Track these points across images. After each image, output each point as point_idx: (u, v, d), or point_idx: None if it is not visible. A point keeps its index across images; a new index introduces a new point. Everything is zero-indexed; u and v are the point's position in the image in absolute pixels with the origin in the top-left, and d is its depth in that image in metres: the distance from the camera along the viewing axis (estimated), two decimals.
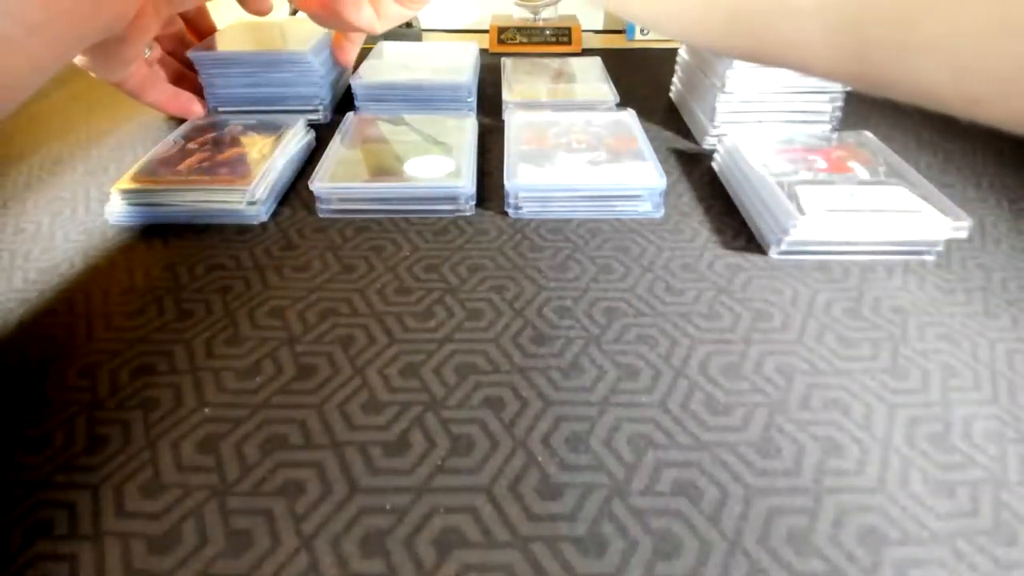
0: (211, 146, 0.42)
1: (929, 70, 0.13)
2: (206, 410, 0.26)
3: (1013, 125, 0.13)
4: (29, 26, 0.26)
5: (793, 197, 0.36)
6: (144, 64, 0.43)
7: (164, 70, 0.47)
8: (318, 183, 0.38)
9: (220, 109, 0.49)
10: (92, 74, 0.40)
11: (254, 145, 0.42)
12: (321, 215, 0.39)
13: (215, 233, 0.37)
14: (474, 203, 0.39)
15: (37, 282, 0.33)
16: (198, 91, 0.49)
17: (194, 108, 0.48)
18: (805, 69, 0.16)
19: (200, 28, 0.51)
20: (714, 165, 0.45)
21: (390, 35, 0.71)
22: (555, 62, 0.60)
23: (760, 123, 0.47)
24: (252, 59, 0.48)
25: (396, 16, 0.41)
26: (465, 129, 0.45)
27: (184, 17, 0.49)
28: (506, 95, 0.52)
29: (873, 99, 0.54)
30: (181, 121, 0.48)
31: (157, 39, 0.46)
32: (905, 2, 0.12)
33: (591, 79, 0.56)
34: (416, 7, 0.42)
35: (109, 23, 0.31)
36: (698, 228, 0.38)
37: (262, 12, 0.48)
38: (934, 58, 0.12)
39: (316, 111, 0.51)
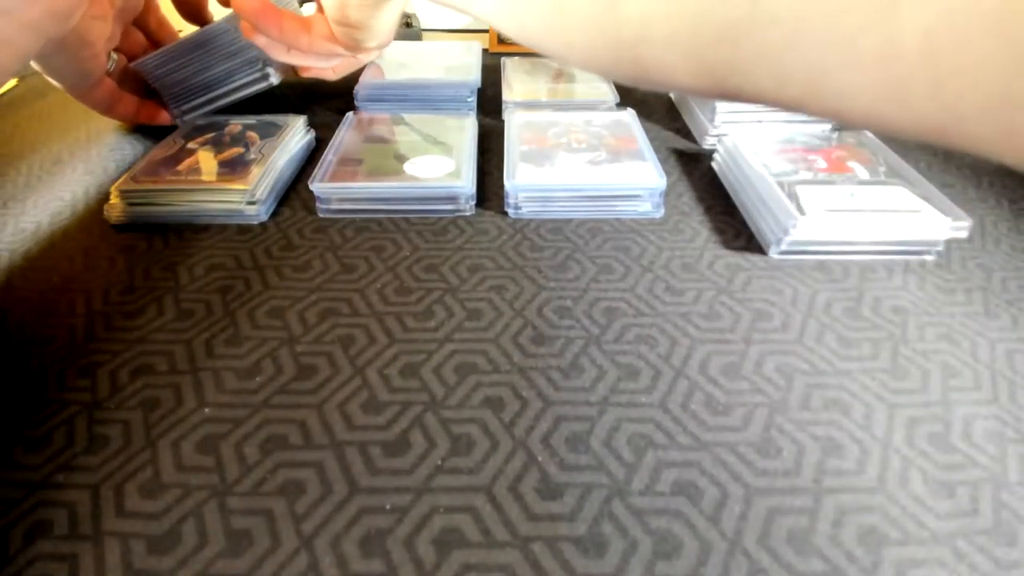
0: (211, 146, 0.42)
1: (759, 80, 0.15)
2: (206, 410, 0.26)
3: (832, 120, 0.16)
4: (21, 21, 0.28)
5: (793, 197, 0.36)
6: (110, 78, 0.43)
7: (129, 84, 0.47)
8: (318, 183, 0.38)
9: (183, 108, 0.48)
10: (61, 86, 0.40)
11: (254, 145, 0.42)
12: (321, 215, 0.39)
13: (215, 233, 0.37)
14: (474, 203, 0.39)
15: (37, 282, 0.33)
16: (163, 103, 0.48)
17: (161, 114, 0.48)
18: (681, 90, 0.19)
19: (163, 41, 0.50)
20: (714, 165, 0.45)
21: None
22: (555, 62, 0.60)
23: (760, 123, 0.47)
24: (183, 47, 0.46)
25: (326, 51, 0.41)
26: (465, 129, 0.45)
27: (145, 30, 0.48)
28: (506, 95, 0.52)
29: None
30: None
31: (120, 51, 0.46)
32: (728, 26, 0.15)
33: (591, 79, 0.55)
34: (345, 56, 0.42)
35: (71, 5, 0.32)
36: (698, 228, 0.38)
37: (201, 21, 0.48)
38: (759, 71, 0.15)
39: (264, 73, 0.48)
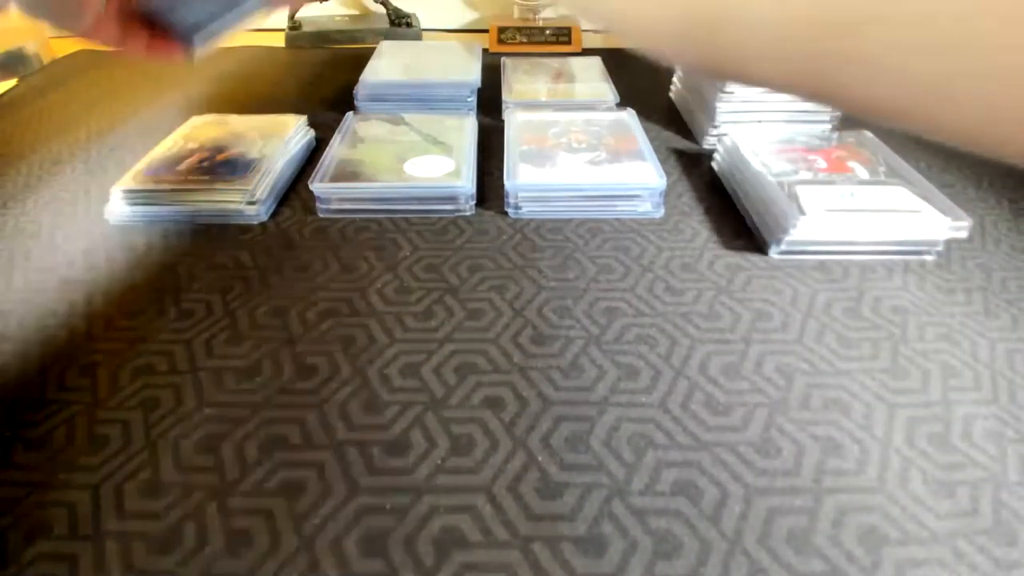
0: (211, 146, 0.42)
1: (868, 81, 0.13)
2: (206, 410, 0.26)
3: (932, 136, 0.13)
4: None
5: (793, 197, 0.36)
6: (110, 11, 0.43)
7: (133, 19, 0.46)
8: (318, 183, 0.38)
9: (189, 25, 0.47)
10: (52, 24, 0.39)
11: (254, 145, 0.42)
12: (321, 215, 0.39)
13: (215, 233, 0.37)
14: (474, 203, 0.39)
15: (37, 282, 0.33)
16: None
17: (173, 48, 0.47)
18: (753, 78, 0.17)
19: None
20: (714, 165, 0.45)
21: (390, 35, 0.71)
22: (555, 62, 0.60)
23: (760, 123, 0.47)
24: None
25: None
26: (465, 129, 0.45)
27: None
28: (506, 95, 0.52)
29: None
30: (182, 120, 0.48)
31: None
32: (854, 16, 0.13)
33: (591, 79, 0.55)
34: None
35: None
36: (698, 228, 0.38)
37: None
38: (874, 69, 0.13)
39: None
